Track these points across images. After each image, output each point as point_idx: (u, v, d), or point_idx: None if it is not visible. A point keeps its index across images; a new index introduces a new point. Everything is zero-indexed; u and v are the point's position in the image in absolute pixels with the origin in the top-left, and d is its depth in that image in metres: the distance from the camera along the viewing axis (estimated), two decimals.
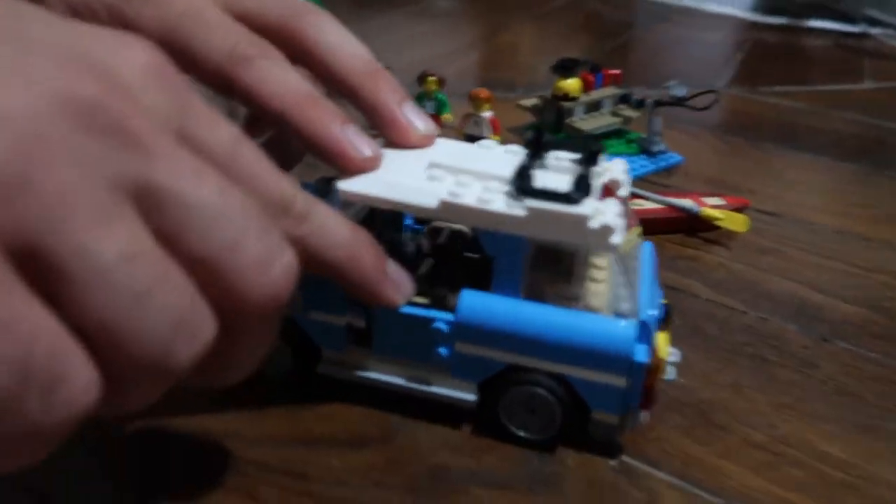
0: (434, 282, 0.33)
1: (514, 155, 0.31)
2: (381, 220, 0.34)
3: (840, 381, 0.36)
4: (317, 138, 0.28)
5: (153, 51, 0.22)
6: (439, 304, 0.31)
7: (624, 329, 0.28)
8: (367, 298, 0.28)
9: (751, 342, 0.39)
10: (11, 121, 0.17)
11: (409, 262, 0.33)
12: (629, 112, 0.63)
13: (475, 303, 0.29)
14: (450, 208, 0.28)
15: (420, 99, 0.61)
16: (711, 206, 0.50)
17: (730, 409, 0.34)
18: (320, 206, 0.26)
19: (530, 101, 0.64)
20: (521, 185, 0.28)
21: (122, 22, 0.27)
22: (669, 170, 0.60)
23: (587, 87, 0.62)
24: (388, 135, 0.31)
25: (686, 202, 0.50)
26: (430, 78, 0.60)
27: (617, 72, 0.64)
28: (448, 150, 0.32)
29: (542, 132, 0.31)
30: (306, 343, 0.31)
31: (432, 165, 0.30)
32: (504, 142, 0.60)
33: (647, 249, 0.34)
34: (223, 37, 0.28)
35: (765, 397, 0.35)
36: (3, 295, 0.16)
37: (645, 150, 0.61)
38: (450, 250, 0.35)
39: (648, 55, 1.02)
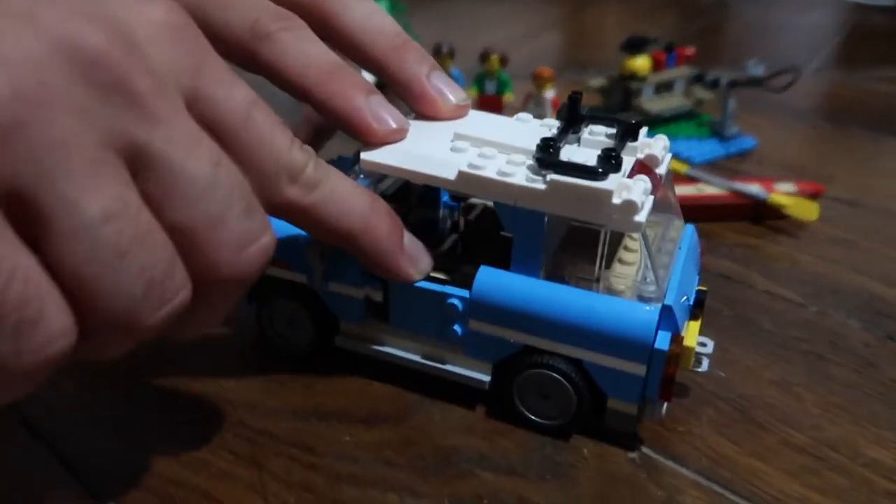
0: (464, 259, 0.33)
1: (548, 128, 0.30)
2: (417, 196, 0.34)
3: None
4: (339, 112, 0.28)
5: (174, 9, 0.22)
6: (461, 281, 0.30)
7: (645, 314, 0.26)
8: (381, 272, 0.28)
9: (806, 338, 0.36)
10: (13, 65, 0.18)
11: (436, 238, 0.33)
12: (702, 93, 0.60)
13: (491, 280, 0.28)
14: (468, 180, 0.27)
15: (482, 78, 0.60)
16: (781, 193, 0.47)
17: (773, 406, 0.31)
18: (335, 174, 0.26)
19: (598, 82, 0.62)
20: (543, 157, 0.27)
21: None
22: (742, 154, 0.57)
23: (658, 66, 0.59)
24: (419, 108, 0.31)
25: (753, 187, 0.47)
26: (493, 56, 0.59)
27: (691, 51, 0.61)
28: (478, 121, 0.31)
29: (578, 103, 0.29)
30: (325, 314, 0.31)
31: (458, 137, 0.29)
32: None
33: (688, 232, 0.32)
34: (244, 11, 0.28)
35: (814, 396, 0.32)
36: None
37: (717, 133, 0.58)
38: (482, 227, 0.34)
39: (739, 36, 0.96)
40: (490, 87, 0.60)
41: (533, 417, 0.29)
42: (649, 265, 0.28)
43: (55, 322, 0.18)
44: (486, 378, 0.29)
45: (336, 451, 0.28)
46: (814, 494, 0.27)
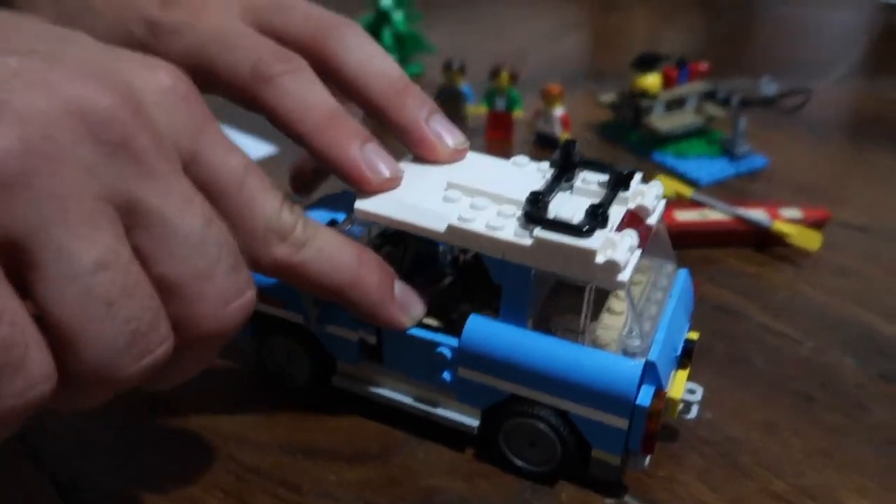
0: (462, 297, 0.34)
1: (542, 175, 0.30)
2: (414, 236, 0.35)
3: (893, 429, 0.33)
4: (335, 162, 0.29)
5: (178, 76, 0.23)
6: (455, 324, 0.30)
7: (628, 370, 0.27)
8: (372, 321, 0.29)
9: (799, 377, 0.36)
10: (24, 122, 0.19)
11: (435, 272, 0.34)
12: (714, 110, 0.59)
13: (479, 329, 0.29)
14: (457, 233, 0.28)
15: (492, 94, 0.61)
16: (786, 220, 0.47)
17: (757, 451, 0.32)
18: (323, 232, 0.27)
19: (609, 98, 0.62)
20: (531, 211, 0.27)
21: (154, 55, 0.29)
22: (753, 174, 0.56)
23: (669, 82, 0.59)
24: (417, 152, 0.31)
25: (757, 214, 0.47)
26: (503, 73, 0.59)
27: (704, 66, 0.61)
28: (474, 166, 0.31)
29: (572, 150, 0.30)
30: (323, 355, 0.32)
31: (451, 186, 0.30)
32: (579, 137, 0.59)
33: (681, 278, 0.32)
34: (246, 53, 0.29)
35: (800, 441, 0.32)
36: None
37: (727, 151, 0.57)
38: (481, 265, 0.34)
39: (764, 38, 0.95)
40: (500, 104, 0.60)
41: (519, 463, 0.30)
42: (637, 317, 0.28)
43: (37, 367, 0.19)
44: (475, 423, 0.30)
45: (320, 489, 0.29)
46: None
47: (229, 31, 0.30)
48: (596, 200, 0.28)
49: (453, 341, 0.29)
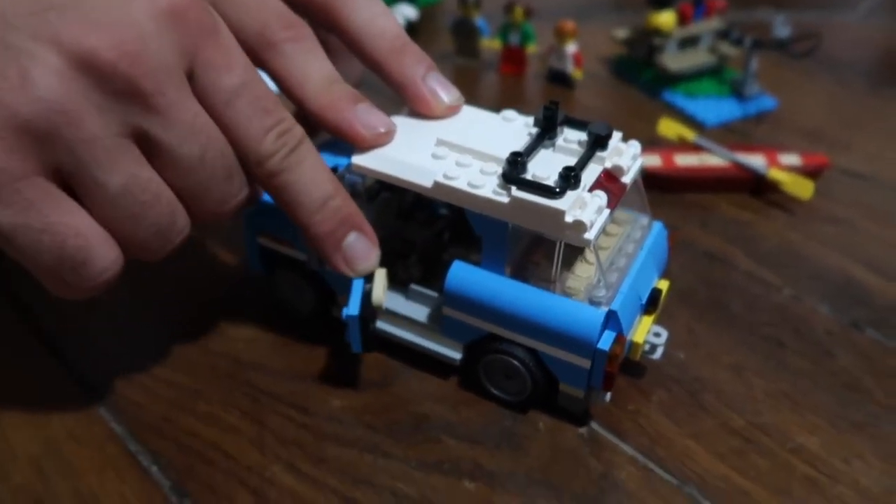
0: (452, 241, 0.37)
1: (528, 131, 0.33)
2: None
3: (852, 375, 0.36)
4: (331, 122, 0.31)
5: None
6: (443, 267, 0.33)
7: (592, 317, 0.30)
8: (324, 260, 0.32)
9: (773, 322, 0.39)
10: (43, 84, 0.24)
11: (430, 215, 0.37)
12: (728, 49, 0.59)
13: (462, 275, 0.31)
14: (442, 189, 0.30)
15: (506, 29, 0.61)
16: (783, 166, 0.48)
17: (722, 391, 0.35)
18: (301, 169, 0.29)
19: (623, 33, 0.63)
20: (509, 172, 0.29)
21: None
22: (760, 116, 0.57)
23: (684, 20, 0.59)
24: (414, 108, 0.34)
25: (755, 160, 0.48)
26: (517, 8, 0.60)
27: (721, 2, 0.60)
28: (464, 122, 0.33)
29: (555, 112, 0.32)
30: (324, 289, 0.36)
31: (440, 142, 0.32)
32: (591, 72, 0.59)
33: (655, 230, 0.35)
34: (255, 16, 0.31)
35: (764, 383, 0.35)
36: (51, 205, 0.25)
37: (737, 92, 0.58)
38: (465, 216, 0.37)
39: None
40: (514, 39, 0.61)
41: (496, 392, 0.33)
42: (601, 272, 0.31)
43: (102, 259, 0.26)
44: (458, 356, 0.33)
45: (326, 412, 0.33)
46: (735, 475, 0.31)
47: None
48: (575, 159, 0.30)
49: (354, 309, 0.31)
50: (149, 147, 0.26)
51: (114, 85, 0.25)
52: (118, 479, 0.30)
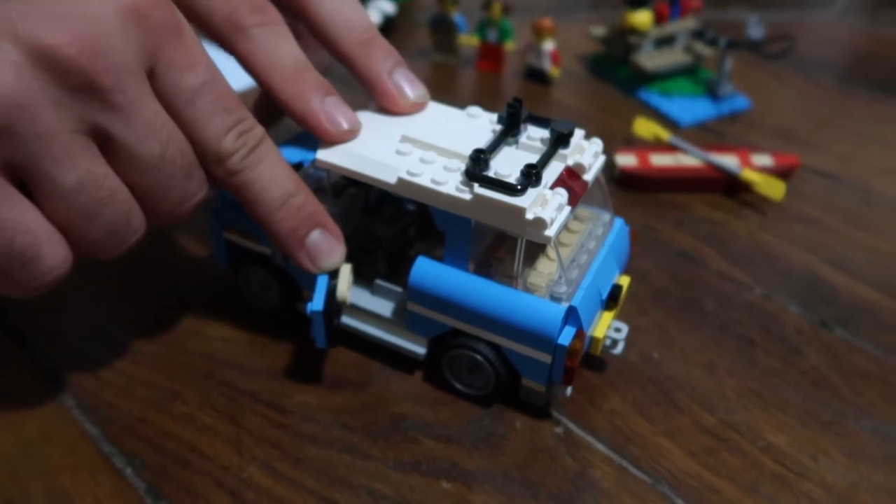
0: (415, 237, 0.37)
1: (492, 128, 0.33)
2: None
3: (821, 373, 0.37)
4: (297, 113, 0.31)
5: None
6: (408, 262, 0.33)
7: (553, 313, 0.30)
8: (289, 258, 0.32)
9: (744, 321, 0.39)
10: (2, 80, 0.23)
11: (396, 211, 0.37)
12: (703, 49, 0.60)
13: (426, 270, 0.32)
14: (406, 186, 0.30)
15: (484, 26, 0.61)
16: (756, 166, 0.49)
17: (694, 389, 0.35)
18: (263, 167, 0.29)
19: (600, 31, 0.63)
20: (471, 169, 0.30)
21: None
22: (734, 116, 0.58)
23: (661, 19, 0.60)
24: (379, 103, 0.34)
25: (729, 160, 0.49)
26: (495, 4, 0.60)
27: (697, 2, 0.61)
28: (429, 118, 0.34)
29: (519, 109, 0.32)
30: (290, 283, 0.36)
31: (404, 139, 0.32)
32: (569, 70, 0.60)
33: (616, 227, 0.35)
34: (225, 0, 0.31)
35: (735, 381, 0.36)
36: (1, 200, 0.24)
37: (711, 91, 0.59)
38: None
39: None
40: (492, 35, 0.61)
41: (460, 387, 0.34)
42: (562, 269, 0.31)
43: (51, 257, 0.26)
44: (423, 351, 0.34)
45: (303, 412, 0.33)
46: (706, 473, 0.31)
47: None
48: (537, 157, 0.30)
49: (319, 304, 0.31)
50: (107, 144, 0.26)
51: (72, 80, 0.24)
52: (92, 480, 0.30)
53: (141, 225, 0.28)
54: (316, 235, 0.31)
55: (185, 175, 0.28)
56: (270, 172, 0.29)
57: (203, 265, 0.41)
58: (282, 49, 0.31)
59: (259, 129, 0.29)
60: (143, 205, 0.28)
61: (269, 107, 0.38)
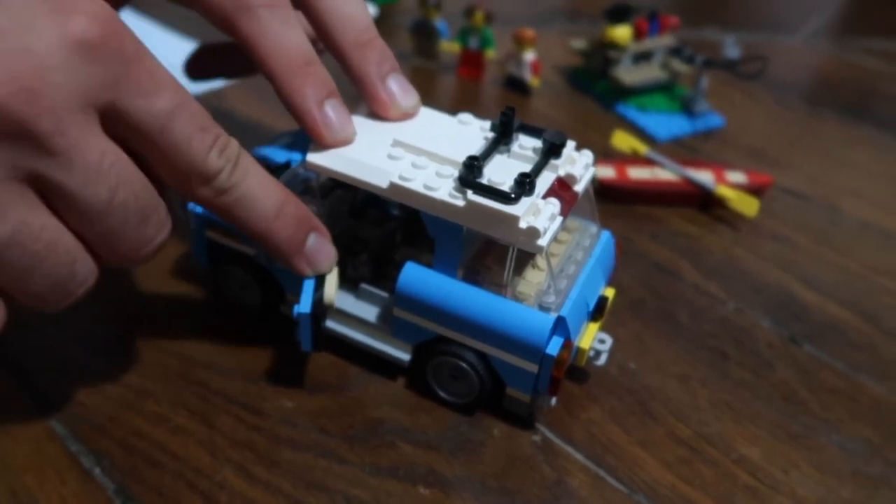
0: (405, 241, 0.37)
1: (484, 135, 0.33)
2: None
3: (791, 387, 0.37)
4: (295, 109, 0.30)
5: (94, 20, 0.23)
6: (395, 267, 0.33)
7: (541, 322, 0.30)
8: (283, 265, 0.31)
9: (717, 334, 0.40)
10: None
11: (382, 215, 0.37)
12: (680, 66, 0.61)
13: (414, 276, 0.31)
14: (398, 190, 0.30)
15: (466, 33, 0.61)
16: (730, 183, 0.50)
17: (669, 400, 0.36)
18: (250, 179, 0.28)
19: (580, 44, 0.64)
20: (465, 176, 0.29)
21: None
22: (708, 133, 0.59)
23: (640, 34, 0.60)
24: (371, 107, 0.33)
25: (704, 176, 0.50)
26: (477, 12, 0.60)
27: (675, 20, 0.62)
28: (421, 123, 0.33)
29: (513, 116, 0.32)
30: (273, 285, 0.35)
31: (396, 143, 0.32)
32: (548, 81, 0.60)
33: (603, 239, 0.35)
34: None
35: (708, 393, 0.36)
36: None
37: (686, 108, 0.60)
38: (419, 215, 0.37)
39: None
40: (473, 43, 0.61)
41: (443, 395, 0.33)
42: (552, 278, 0.31)
43: None
44: (407, 357, 0.33)
45: (280, 415, 0.32)
46: (681, 483, 0.32)
47: None
48: (530, 166, 0.30)
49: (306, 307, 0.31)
50: (48, 191, 0.24)
51: (4, 126, 0.22)
52: (58, 479, 0.29)
53: (90, 274, 0.26)
54: (312, 240, 0.30)
55: (140, 220, 0.26)
56: (258, 184, 0.28)
57: (179, 262, 0.40)
58: (289, 36, 0.30)
59: (234, 142, 0.28)
60: (94, 253, 0.26)
61: (202, 62, 0.37)
